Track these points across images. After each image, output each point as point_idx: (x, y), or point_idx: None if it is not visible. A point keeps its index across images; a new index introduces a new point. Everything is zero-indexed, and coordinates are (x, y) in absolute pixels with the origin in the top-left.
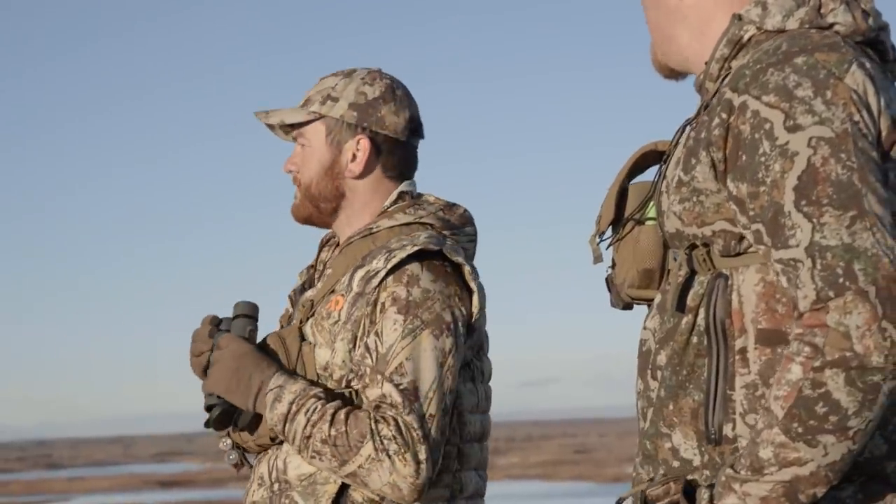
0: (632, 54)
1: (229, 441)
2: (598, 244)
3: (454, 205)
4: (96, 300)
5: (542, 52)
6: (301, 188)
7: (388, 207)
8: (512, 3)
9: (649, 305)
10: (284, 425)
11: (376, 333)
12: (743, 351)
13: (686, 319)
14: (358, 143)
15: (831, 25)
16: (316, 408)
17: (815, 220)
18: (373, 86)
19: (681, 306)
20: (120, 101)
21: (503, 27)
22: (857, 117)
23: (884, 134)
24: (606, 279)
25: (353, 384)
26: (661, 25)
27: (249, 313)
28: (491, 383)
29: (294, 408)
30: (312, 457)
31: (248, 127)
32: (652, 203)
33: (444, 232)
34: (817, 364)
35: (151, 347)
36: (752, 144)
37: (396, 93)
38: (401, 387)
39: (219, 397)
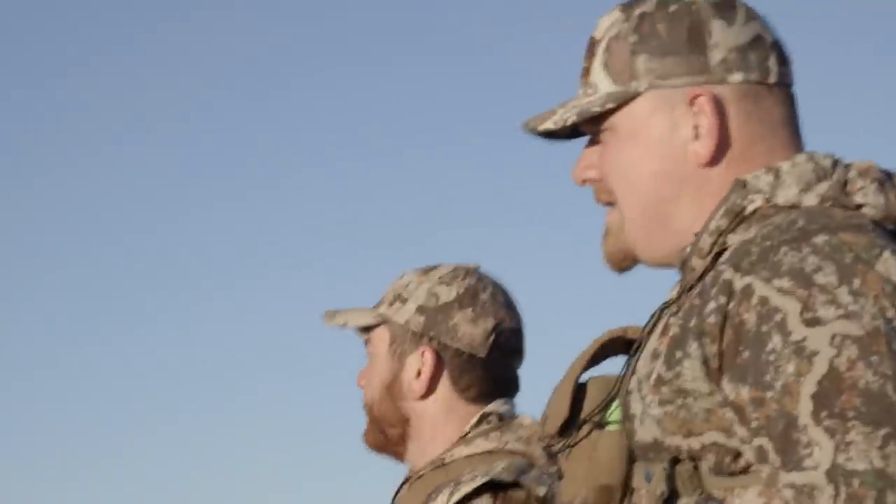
0: None
1: None
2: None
3: None
4: None
5: None
6: (366, 409)
7: (467, 433)
8: None
9: None
10: None
11: None
12: None
13: None
14: (422, 356)
15: (859, 206)
16: None
17: (838, 438)
18: (450, 286)
19: None
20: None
21: None
22: (890, 313)
23: None
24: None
25: None
26: (654, 199)
27: None
28: None
29: None
30: None
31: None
32: (616, 403)
33: (542, 462)
34: None
35: None
36: (759, 338)
37: (480, 297)
38: None
39: None
